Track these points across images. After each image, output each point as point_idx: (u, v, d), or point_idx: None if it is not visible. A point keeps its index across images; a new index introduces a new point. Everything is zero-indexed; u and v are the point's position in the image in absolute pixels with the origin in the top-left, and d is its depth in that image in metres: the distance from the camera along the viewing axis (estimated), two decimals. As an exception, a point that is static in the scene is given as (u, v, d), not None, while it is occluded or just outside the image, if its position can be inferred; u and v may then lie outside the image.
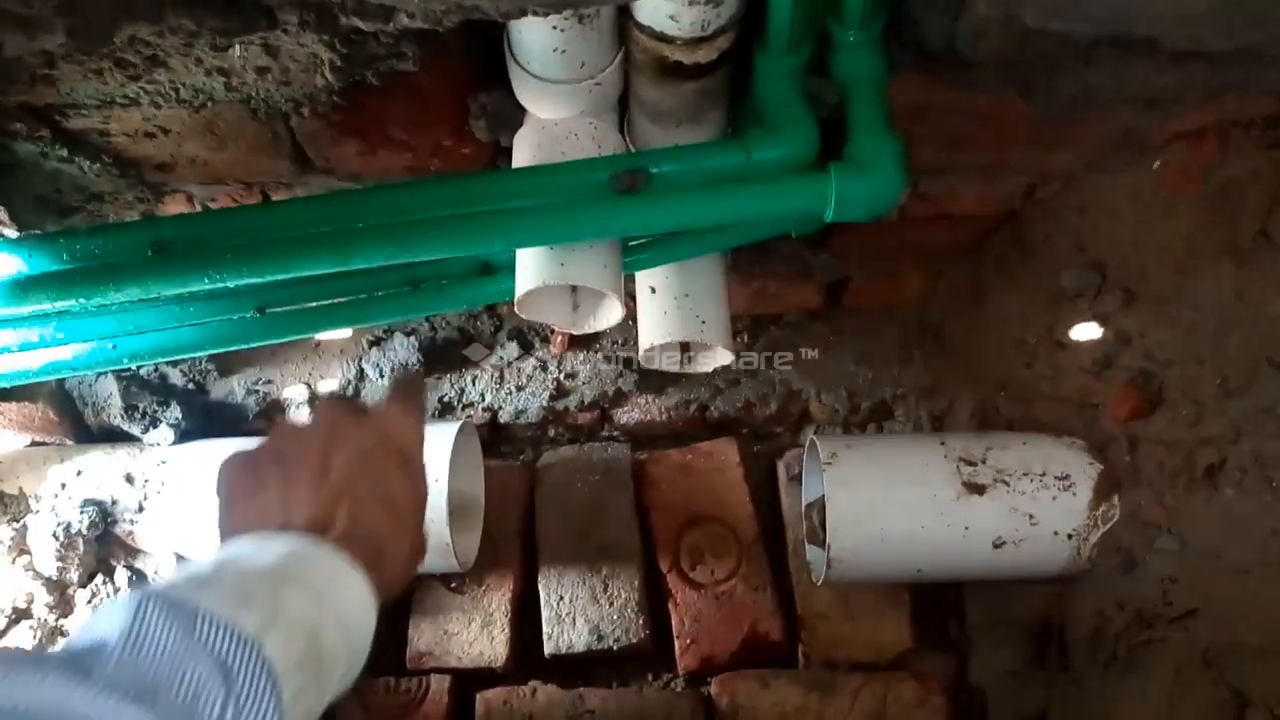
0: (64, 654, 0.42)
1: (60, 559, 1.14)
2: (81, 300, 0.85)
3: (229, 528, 0.56)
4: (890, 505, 1.04)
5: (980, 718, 1.19)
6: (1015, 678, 1.18)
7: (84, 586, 1.16)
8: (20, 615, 1.14)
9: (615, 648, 1.21)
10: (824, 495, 1.05)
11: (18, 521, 1.16)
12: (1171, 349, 1.01)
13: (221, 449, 1.18)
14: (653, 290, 1.03)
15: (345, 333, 1.35)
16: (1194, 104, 0.94)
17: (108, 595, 1.15)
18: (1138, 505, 1.03)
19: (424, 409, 0.68)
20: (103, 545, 1.18)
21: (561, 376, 1.34)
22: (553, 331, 1.36)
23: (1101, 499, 1.04)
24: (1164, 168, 1.01)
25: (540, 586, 1.25)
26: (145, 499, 1.17)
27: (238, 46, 0.78)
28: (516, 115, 0.92)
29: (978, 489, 1.04)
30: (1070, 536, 1.04)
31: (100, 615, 0.44)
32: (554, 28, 0.77)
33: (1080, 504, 1.04)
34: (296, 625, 0.47)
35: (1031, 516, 1.03)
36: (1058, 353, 1.13)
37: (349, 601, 0.51)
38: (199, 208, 1.07)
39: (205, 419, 1.28)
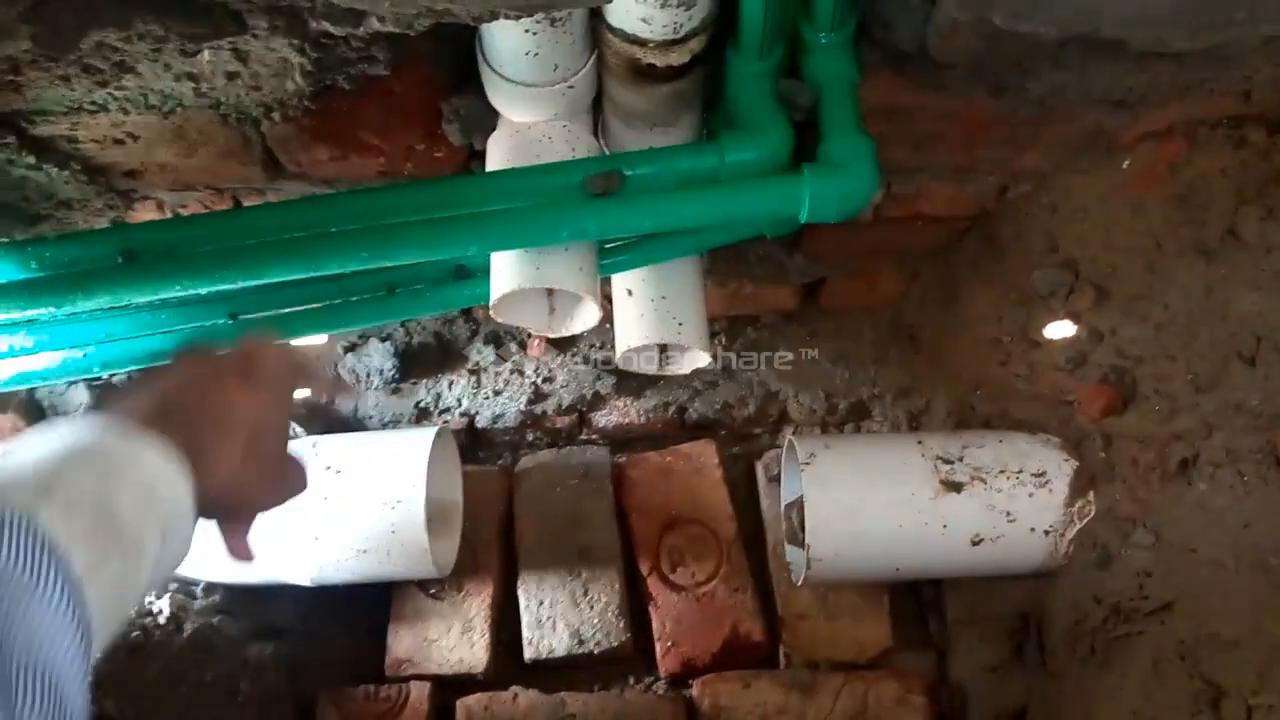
0: None
1: (32, 571, 1.12)
2: (50, 309, 0.84)
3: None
4: (869, 505, 1.05)
5: (960, 714, 1.19)
6: (995, 673, 1.19)
7: (57, 599, 1.14)
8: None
9: (596, 651, 1.21)
10: (803, 496, 1.05)
11: (-12, 534, 1.15)
12: (1143, 346, 1.02)
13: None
14: (629, 293, 1.03)
15: (320, 338, 1.33)
16: (1161, 103, 0.95)
17: (81, 607, 1.13)
18: (1113, 500, 1.03)
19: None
20: (75, 557, 1.16)
21: (539, 380, 1.34)
22: (529, 335, 1.35)
23: (1077, 495, 1.05)
24: (1133, 167, 1.02)
25: (520, 591, 1.25)
26: (118, 509, 1.16)
27: (207, 52, 0.77)
28: (490, 119, 0.91)
29: (955, 487, 1.04)
30: (1047, 533, 1.05)
31: None
32: (526, 31, 0.76)
33: (1056, 500, 1.05)
34: (80, 495, 0.46)
35: (1009, 513, 1.04)
36: (1032, 351, 1.14)
37: (148, 470, 0.50)
38: (170, 214, 1.06)
39: (179, 428, 1.27)
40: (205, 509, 0.56)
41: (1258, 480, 0.91)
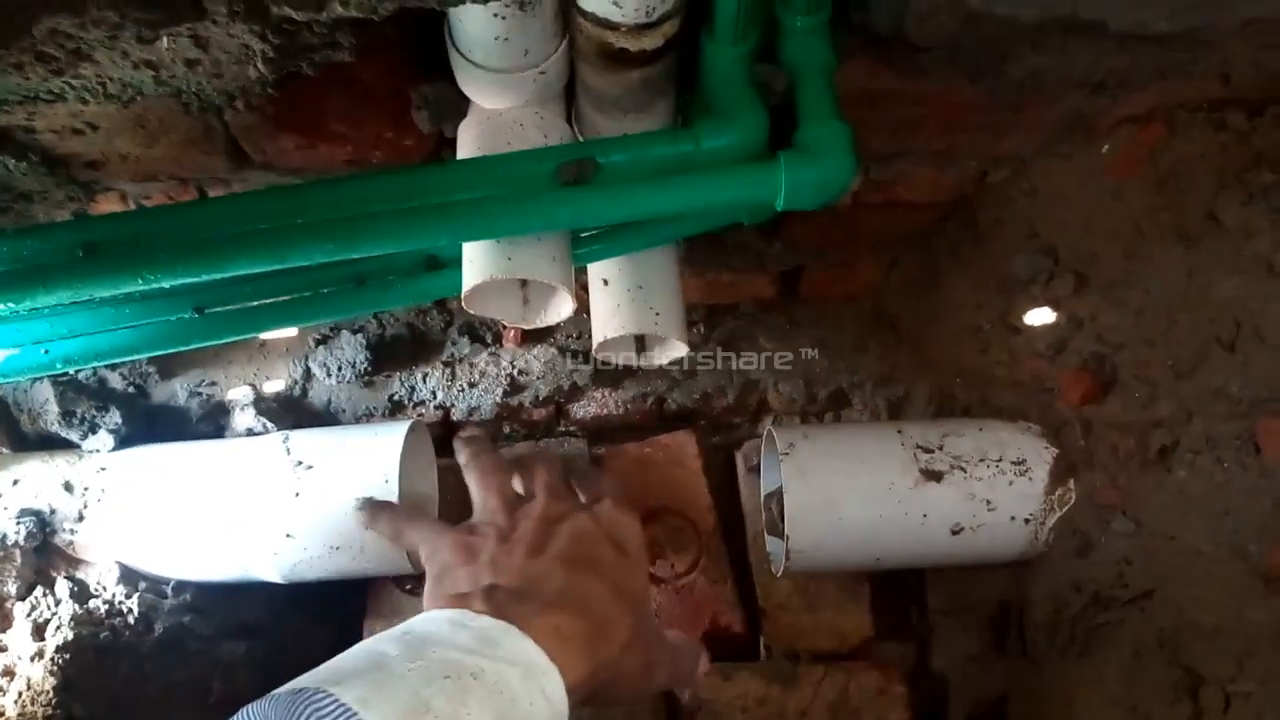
0: None
1: (-4, 572, 1.10)
2: (9, 304, 0.82)
3: (437, 593, 0.55)
4: (848, 494, 1.04)
5: (941, 703, 1.19)
6: (975, 662, 1.19)
7: (22, 599, 1.11)
8: (-45, 631, 1.10)
9: (575, 645, 1.20)
10: (782, 486, 1.04)
11: (-49, 534, 1.12)
12: (1123, 332, 1.01)
13: (164, 454, 1.15)
14: (605, 283, 1.02)
15: (290, 331, 1.31)
16: (1140, 87, 0.94)
17: (48, 607, 1.11)
18: (1093, 488, 1.03)
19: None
20: (41, 556, 1.14)
21: (515, 372, 1.32)
22: (505, 327, 1.34)
23: (1057, 483, 1.04)
24: (1112, 151, 1.01)
25: (498, 586, 1.23)
26: (85, 507, 1.14)
27: (165, 39, 0.75)
28: (460, 105, 0.89)
29: (935, 476, 1.04)
30: (1027, 521, 1.04)
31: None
32: (495, 15, 0.75)
33: (1037, 488, 1.04)
34: None
35: (989, 502, 1.03)
36: (1012, 338, 1.14)
37: (537, 713, 0.45)
38: (133, 206, 1.04)
39: (147, 423, 1.24)
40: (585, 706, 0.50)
41: (1237, 467, 0.91)
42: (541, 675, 0.46)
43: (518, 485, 0.71)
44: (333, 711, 0.39)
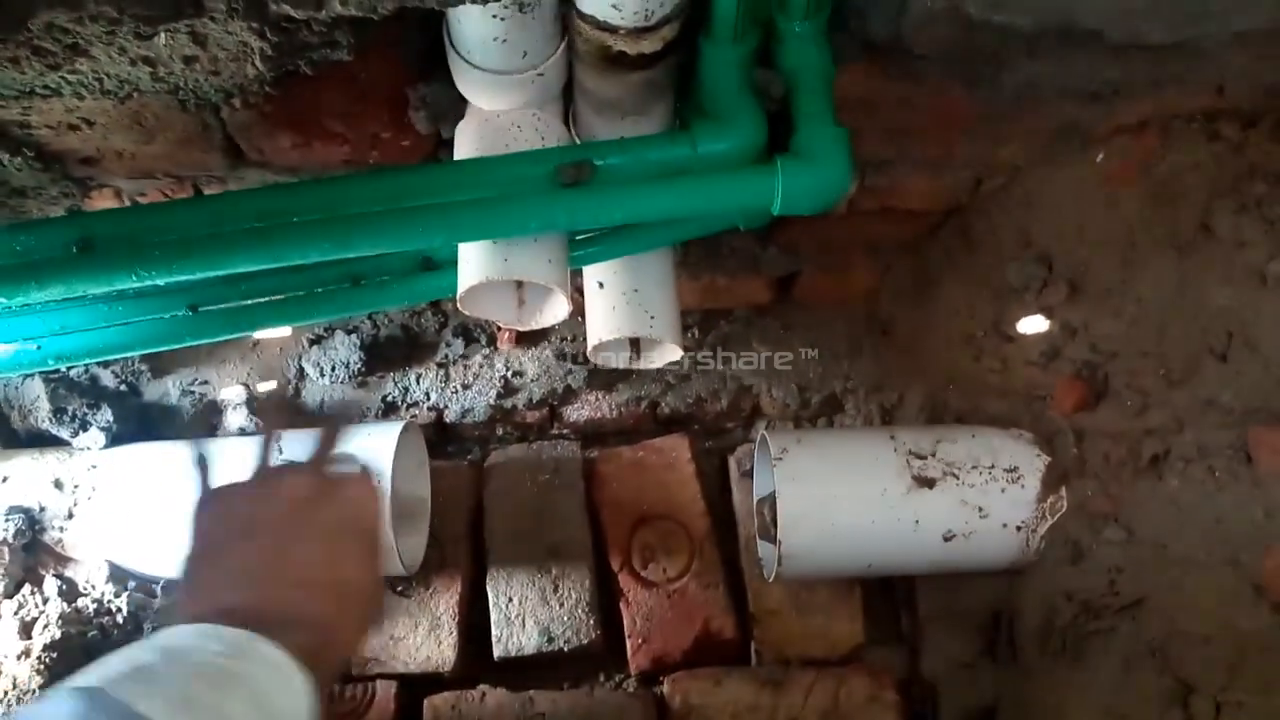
0: None
1: (-15, 569, 1.10)
2: (2, 299, 0.81)
3: (190, 584, 0.58)
4: (841, 500, 1.04)
5: (932, 710, 1.19)
6: (966, 669, 1.18)
7: (10, 597, 1.11)
8: (-57, 628, 1.10)
9: (566, 649, 1.20)
10: (775, 491, 1.04)
11: (-60, 531, 1.12)
12: (1116, 341, 1.02)
13: (155, 452, 1.15)
14: (600, 285, 1.02)
15: (284, 331, 1.31)
16: (1135, 97, 0.94)
17: (36, 605, 1.10)
18: (1085, 496, 1.03)
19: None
20: (30, 554, 1.14)
21: (509, 374, 1.32)
22: (499, 328, 1.33)
23: (1049, 490, 1.04)
24: (1107, 160, 1.01)
25: (489, 588, 1.23)
26: (75, 505, 1.13)
27: (163, 34, 0.75)
28: (457, 106, 0.89)
29: (927, 482, 1.04)
30: (1019, 528, 1.04)
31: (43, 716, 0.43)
32: (494, 16, 0.75)
33: (1029, 496, 1.04)
34: (190, 700, 0.46)
35: (981, 509, 1.03)
36: (1005, 345, 1.14)
37: (289, 709, 0.50)
38: (128, 203, 1.03)
39: (138, 422, 1.24)
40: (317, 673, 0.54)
41: (1229, 476, 0.91)
42: (289, 675, 0.50)
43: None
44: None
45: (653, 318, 1.00)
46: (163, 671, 0.47)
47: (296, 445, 1.09)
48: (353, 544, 0.62)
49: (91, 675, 0.45)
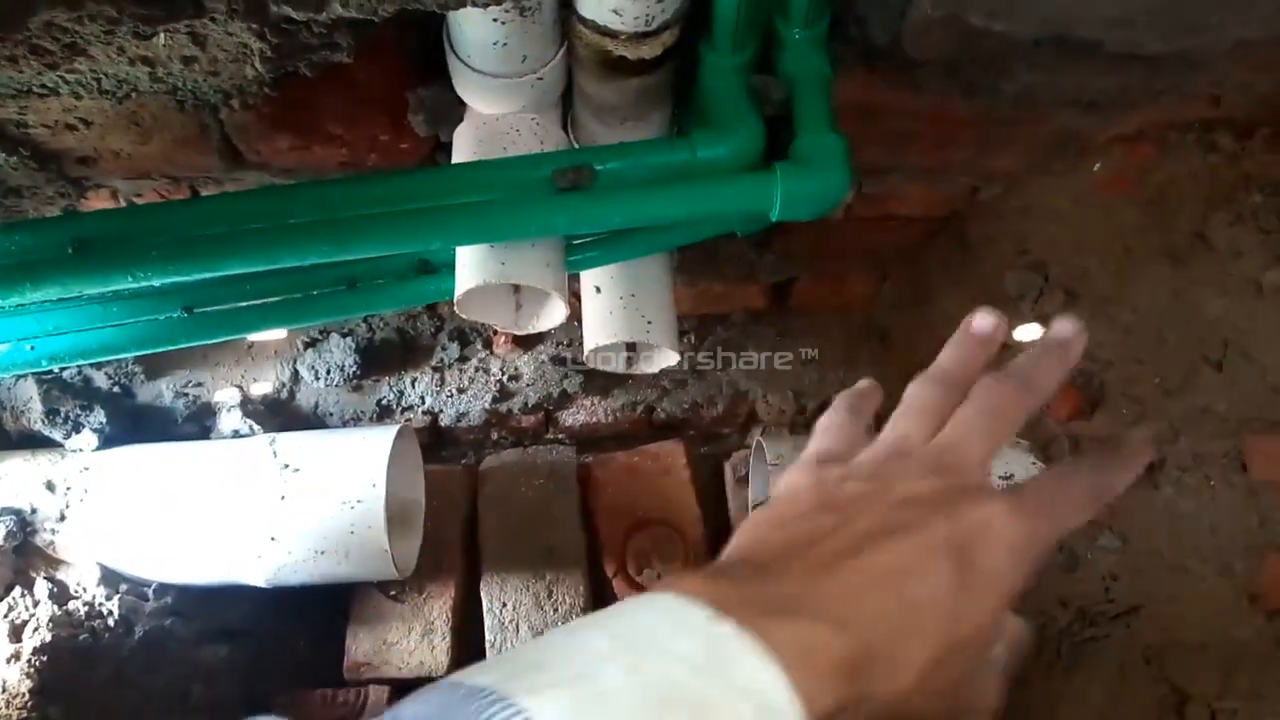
0: None
1: (-25, 571, 1.09)
2: (-4, 299, 0.81)
3: (745, 537, 0.43)
4: (836, 507, 1.04)
5: (925, 718, 1.19)
6: (960, 677, 1.18)
7: (0, 599, 1.10)
8: (-68, 631, 1.09)
9: (560, 654, 1.19)
10: (770, 497, 1.04)
11: (-70, 532, 1.11)
12: (1111, 349, 1.02)
13: (148, 454, 1.14)
14: (597, 290, 1.02)
15: (279, 333, 1.31)
16: (1132, 107, 0.95)
17: (26, 608, 1.09)
18: (1079, 504, 1.03)
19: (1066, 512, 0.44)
20: (20, 556, 1.13)
21: (505, 378, 1.32)
22: (495, 332, 1.33)
23: (1044, 498, 1.04)
24: (1103, 170, 1.02)
25: (483, 593, 1.22)
26: (67, 507, 1.12)
27: (162, 35, 0.75)
28: (456, 110, 0.89)
29: (923, 489, 1.04)
30: (1014, 536, 1.04)
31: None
32: (494, 20, 0.74)
33: (1023, 504, 1.04)
34: None
35: (976, 516, 1.03)
36: (1001, 354, 1.14)
37: None
38: (124, 203, 1.03)
39: (131, 423, 1.23)
40: None
41: (1224, 485, 0.91)
42: (775, 717, 0.33)
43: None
44: None
45: (649, 323, 0.99)
46: (608, 683, 0.33)
47: (294, 447, 1.09)
48: (954, 571, 0.39)
49: (516, 663, 0.34)
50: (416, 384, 1.32)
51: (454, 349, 1.33)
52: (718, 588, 0.37)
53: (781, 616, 0.36)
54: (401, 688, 1.19)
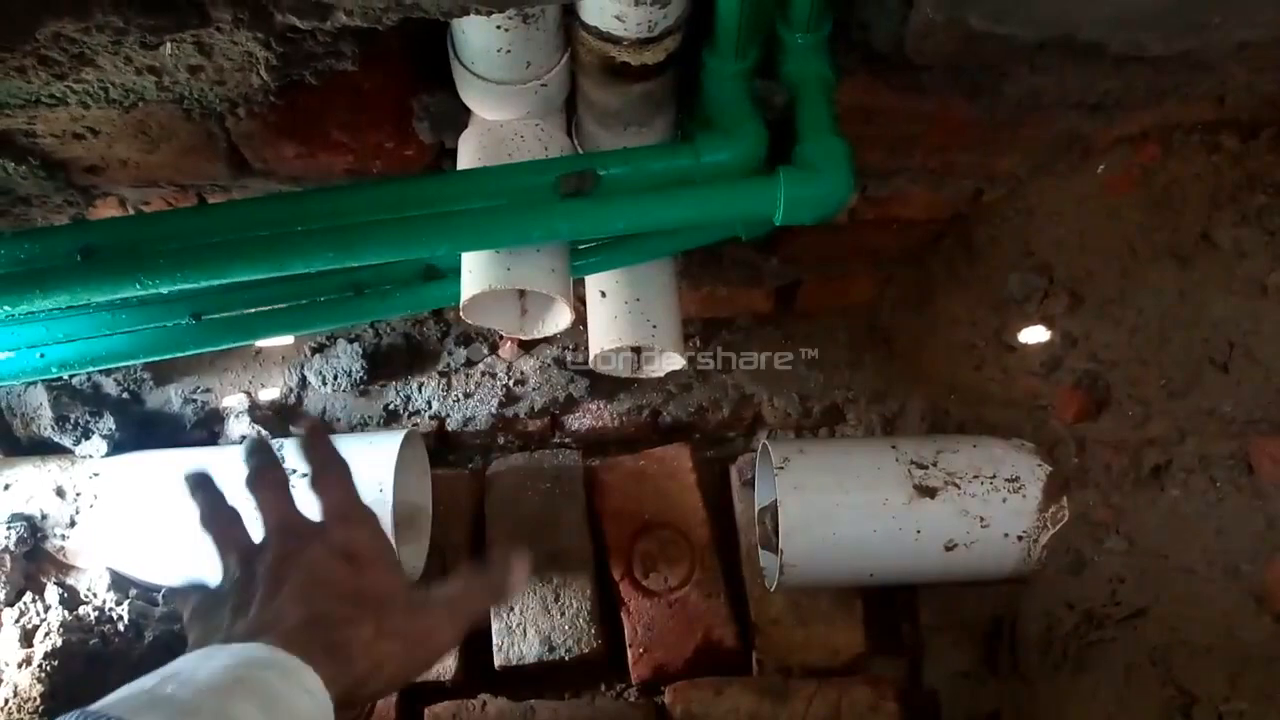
0: None
1: (-14, 577, 1.10)
2: (6, 308, 0.81)
3: (254, 619, 0.56)
4: (843, 510, 1.04)
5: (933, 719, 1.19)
6: (967, 679, 1.18)
7: (11, 605, 1.11)
8: (-56, 636, 1.10)
9: (567, 658, 1.20)
10: (777, 500, 1.04)
11: (-59, 539, 1.12)
12: (1117, 350, 1.02)
13: (157, 460, 1.15)
14: (603, 294, 1.02)
15: (286, 340, 1.31)
16: (1136, 108, 0.95)
17: (37, 613, 1.10)
18: (1086, 506, 1.03)
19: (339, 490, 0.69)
20: (31, 561, 1.14)
21: (511, 383, 1.32)
22: (501, 337, 1.34)
23: (1051, 500, 1.04)
24: (1107, 171, 1.02)
25: (490, 597, 1.23)
26: (77, 513, 1.13)
27: (169, 44, 0.75)
28: (461, 116, 0.90)
29: (929, 492, 1.04)
30: (1020, 538, 1.04)
31: None
32: (498, 27, 0.75)
33: (1030, 505, 1.04)
34: None
35: (982, 519, 1.03)
36: (1006, 355, 1.14)
37: (301, 706, 0.49)
38: (132, 211, 1.04)
39: (140, 429, 1.24)
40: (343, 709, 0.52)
41: (1230, 487, 0.91)
42: (298, 672, 0.49)
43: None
44: None
45: (655, 327, 1.00)
46: (160, 691, 0.46)
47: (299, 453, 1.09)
48: (347, 563, 0.61)
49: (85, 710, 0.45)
50: (423, 389, 1.32)
51: (460, 354, 1.33)
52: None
53: (270, 639, 0.51)
54: (409, 692, 1.19)
